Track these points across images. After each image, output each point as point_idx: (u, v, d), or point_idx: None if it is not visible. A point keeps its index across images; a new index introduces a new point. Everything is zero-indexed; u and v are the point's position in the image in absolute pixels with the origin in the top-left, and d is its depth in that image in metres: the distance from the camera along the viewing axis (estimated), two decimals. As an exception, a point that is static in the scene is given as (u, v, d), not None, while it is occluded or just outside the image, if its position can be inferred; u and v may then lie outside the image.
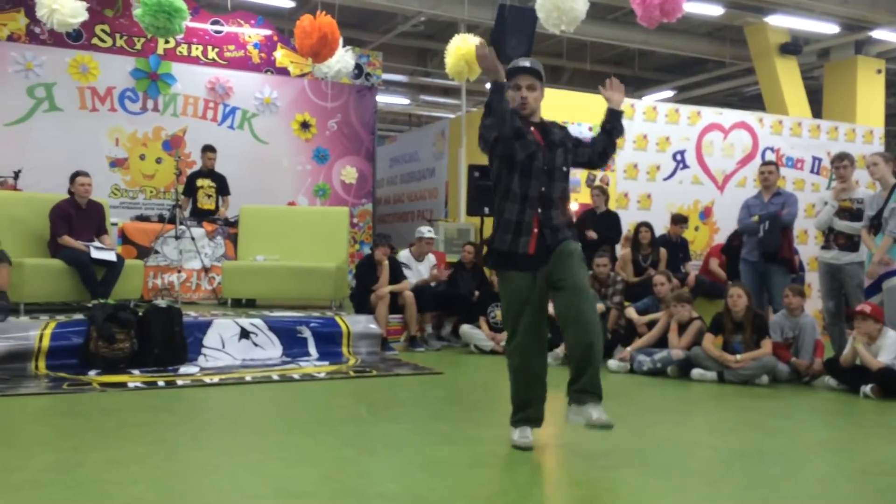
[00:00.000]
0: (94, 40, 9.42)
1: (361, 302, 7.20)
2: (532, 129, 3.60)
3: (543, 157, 3.55)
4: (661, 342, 6.18)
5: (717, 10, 10.98)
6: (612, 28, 11.82)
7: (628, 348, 6.24)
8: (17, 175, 8.07)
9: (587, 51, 13.76)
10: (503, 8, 8.38)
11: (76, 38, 9.22)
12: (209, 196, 8.67)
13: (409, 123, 19.13)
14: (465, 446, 3.70)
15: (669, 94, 15.50)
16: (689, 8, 8.00)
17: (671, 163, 10.26)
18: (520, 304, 3.55)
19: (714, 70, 14.33)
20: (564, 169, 3.63)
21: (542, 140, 3.59)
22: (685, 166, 10.34)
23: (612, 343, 6.70)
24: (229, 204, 8.76)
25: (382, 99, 13.98)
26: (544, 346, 3.74)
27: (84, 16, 6.85)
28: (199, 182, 8.64)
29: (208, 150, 8.76)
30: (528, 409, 3.67)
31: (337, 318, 6.72)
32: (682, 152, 10.30)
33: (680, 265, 8.05)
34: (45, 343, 5.52)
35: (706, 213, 10.47)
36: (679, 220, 8.50)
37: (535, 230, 3.51)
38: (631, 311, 6.67)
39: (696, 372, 5.75)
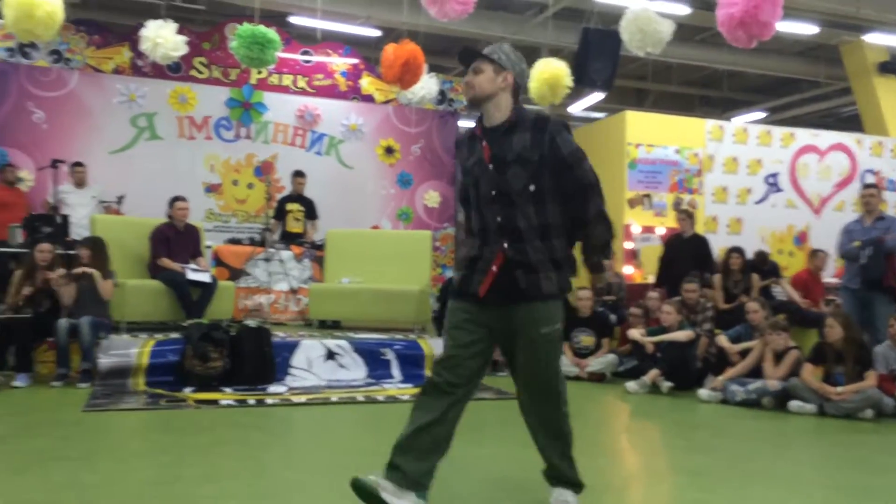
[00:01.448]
0: (192, 72, 9.88)
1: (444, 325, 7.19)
2: (484, 143, 2.82)
3: (488, 179, 2.79)
4: (755, 372, 5.94)
5: (811, 30, 10.63)
6: (699, 49, 11.60)
7: (720, 377, 6.02)
8: (120, 200, 8.51)
9: (673, 73, 13.54)
10: (587, 31, 8.37)
11: (176, 70, 9.69)
12: (298, 220, 8.90)
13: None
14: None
15: (761, 115, 15.06)
16: (782, 27, 7.78)
17: (763, 186, 9.94)
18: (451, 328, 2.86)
19: (808, 90, 13.85)
20: (532, 188, 2.74)
21: (488, 156, 2.80)
22: (778, 189, 10.01)
23: (702, 372, 6.49)
24: (318, 228, 8.98)
25: (465, 124, 14.07)
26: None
27: (184, 49, 7.22)
28: (289, 206, 8.90)
29: (299, 175, 9.03)
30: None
31: (420, 341, 6.75)
32: (774, 175, 9.97)
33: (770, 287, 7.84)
34: (145, 360, 5.77)
35: (801, 238, 10.08)
36: (761, 260, 8.19)
37: (494, 268, 2.77)
38: (722, 339, 6.45)
39: (794, 404, 5.49)
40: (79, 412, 4.77)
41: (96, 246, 6.25)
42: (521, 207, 2.75)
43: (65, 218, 7.49)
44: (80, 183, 8.42)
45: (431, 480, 2.80)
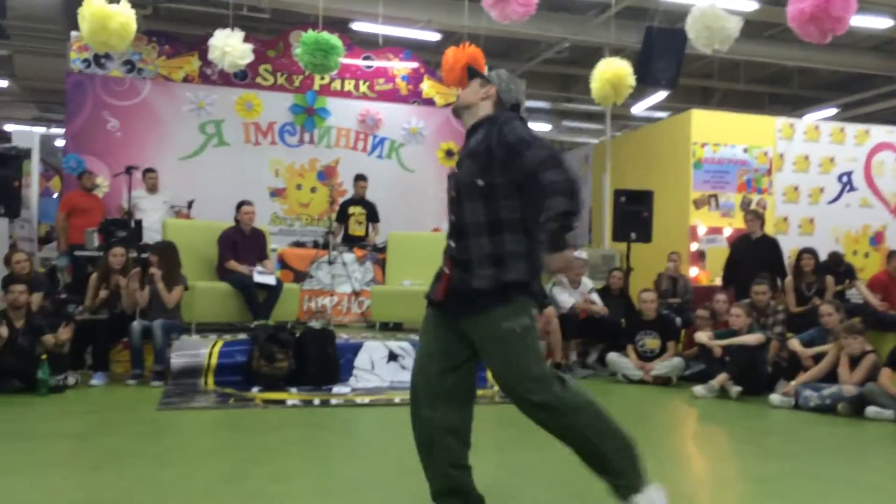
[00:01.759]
0: (258, 79, 10.10)
1: (506, 328, 7.18)
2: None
3: (453, 179, 2.77)
4: (830, 377, 5.73)
5: (885, 23, 10.21)
6: (767, 45, 11.27)
7: (792, 382, 5.84)
8: (190, 205, 8.75)
9: (740, 70, 13.20)
10: (650, 30, 8.22)
11: (242, 78, 9.92)
12: (360, 223, 9.00)
13: (551, 150, 19.04)
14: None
15: (832, 112, 14.55)
16: (855, 21, 7.50)
17: (836, 185, 9.61)
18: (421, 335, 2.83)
19: (882, 86, 13.31)
20: (480, 183, 2.62)
21: (456, 162, 2.83)
22: (852, 188, 9.66)
23: (773, 376, 6.30)
24: (379, 231, 9.06)
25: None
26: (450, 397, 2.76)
27: (250, 57, 7.38)
28: (351, 210, 9.00)
29: (360, 178, 9.13)
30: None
31: (482, 344, 6.73)
32: (848, 174, 9.63)
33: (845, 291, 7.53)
34: (214, 360, 5.92)
35: (877, 239, 9.70)
36: (836, 262, 7.87)
37: (446, 270, 2.72)
38: (795, 343, 6.24)
39: (872, 410, 5.28)
40: (153, 410, 4.92)
41: (165, 252, 6.42)
42: (469, 203, 2.64)
43: (138, 223, 7.74)
44: (152, 188, 8.69)
45: (471, 487, 2.77)
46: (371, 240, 8.93)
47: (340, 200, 9.31)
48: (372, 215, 9.09)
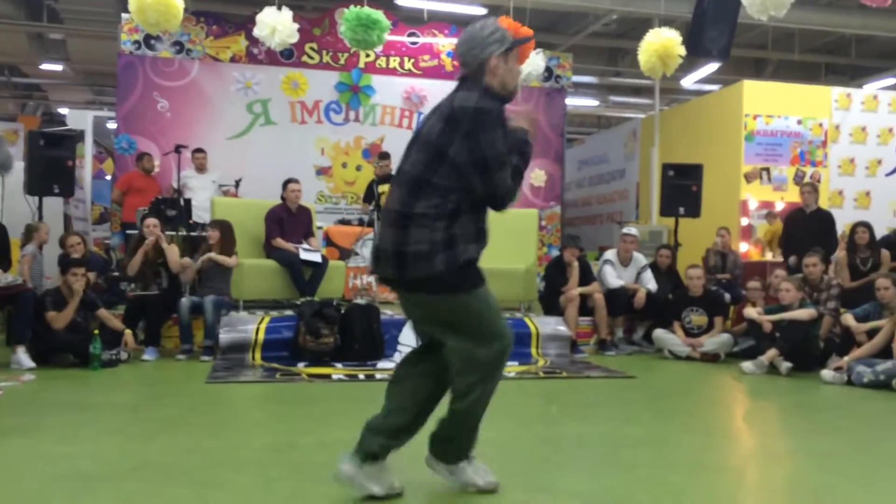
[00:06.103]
0: (304, 58, 10.14)
1: (550, 304, 7.16)
2: None
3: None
4: (884, 353, 5.56)
5: (951, -16, 9.75)
6: (824, 13, 10.86)
7: (845, 358, 5.69)
8: (237, 184, 8.87)
9: (795, 39, 12.77)
10: (701, -2, 8.01)
11: (288, 57, 9.97)
12: (393, 201, 8.97)
13: (598, 125, 18.78)
14: (663, 451, 3.55)
15: (892, 81, 13.98)
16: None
17: (895, 156, 9.27)
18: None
19: (947, 52, 12.75)
20: None
21: None
22: (913, 160, 9.31)
23: (825, 352, 6.15)
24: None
25: (570, 101, 13.85)
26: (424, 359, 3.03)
27: (297, 36, 7.41)
28: (381, 188, 8.95)
29: (383, 157, 9.01)
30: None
31: (526, 320, 6.73)
32: (908, 144, 9.28)
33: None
34: (261, 336, 6.03)
35: (938, 212, 9.35)
36: None
37: None
38: (848, 318, 6.07)
39: (929, 387, 5.12)
40: (202, 384, 5.04)
41: (224, 229, 6.58)
42: None
43: (187, 202, 7.88)
44: (201, 168, 8.83)
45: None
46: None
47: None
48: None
